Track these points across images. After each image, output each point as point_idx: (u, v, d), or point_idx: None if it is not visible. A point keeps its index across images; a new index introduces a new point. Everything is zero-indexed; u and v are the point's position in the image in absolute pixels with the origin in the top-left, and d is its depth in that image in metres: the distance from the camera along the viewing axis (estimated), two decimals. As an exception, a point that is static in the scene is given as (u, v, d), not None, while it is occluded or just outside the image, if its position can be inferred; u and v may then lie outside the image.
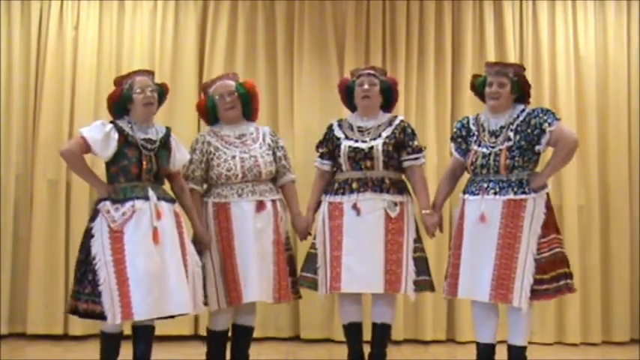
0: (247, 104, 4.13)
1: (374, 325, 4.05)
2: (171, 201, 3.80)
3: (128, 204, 3.62)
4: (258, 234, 3.93)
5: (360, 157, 3.99)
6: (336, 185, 4.04)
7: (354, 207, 3.94)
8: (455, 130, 4.06)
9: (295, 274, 4.12)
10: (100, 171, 3.87)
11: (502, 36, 5.61)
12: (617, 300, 5.52)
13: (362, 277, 3.88)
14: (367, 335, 4.10)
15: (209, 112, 4.12)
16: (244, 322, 4.10)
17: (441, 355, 5.12)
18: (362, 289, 4.00)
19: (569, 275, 3.81)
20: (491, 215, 3.75)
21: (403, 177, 4.11)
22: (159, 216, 3.64)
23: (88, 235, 3.64)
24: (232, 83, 4.13)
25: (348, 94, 4.18)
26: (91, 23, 5.48)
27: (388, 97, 4.13)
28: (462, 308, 5.28)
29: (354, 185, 3.98)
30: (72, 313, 3.70)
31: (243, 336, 4.11)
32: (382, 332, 4.05)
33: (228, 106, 4.06)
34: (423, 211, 4.02)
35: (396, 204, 3.97)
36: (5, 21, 5.45)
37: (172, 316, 3.70)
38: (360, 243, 3.91)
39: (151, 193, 3.68)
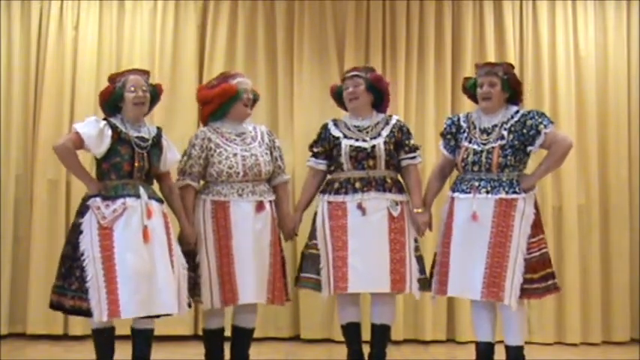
0: (251, 107, 4.16)
1: (373, 325, 4.05)
2: (160, 201, 3.80)
3: (119, 201, 3.62)
4: (257, 235, 3.92)
5: (362, 157, 3.98)
6: (337, 185, 4.03)
7: (360, 207, 3.94)
8: (445, 126, 4.08)
9: (287, 276, 4.12)
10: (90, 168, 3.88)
11: (502, 36, 5.61)
12: (617, 300, 5.52)
13: (368, 277, 3.87)
14: (367, 335, 4.10)
15: (230, 102, 3.99)
16: (244, 324, 4.08)
17: (441, 355, 5.11)
18: (368, 289, 3.99)
19: (554, 275, 3.87)
20: (483, 214, 3.77)
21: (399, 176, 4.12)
22: (149, 215, 3.64)
23: (77, 230, 3.63)
24: (250, 83, 4.16)
25: (339, 99, 4.20)
26: (91, 23, 5.49)
27: (376, 94, 4.11)
28: (462, 308, 5.28)
29: (358, 185, 3.98)
30: (57, 309, 3.70)
31: (242, 337, 4.10)
32: (382, 333, 4.04)
33: (247, 102, 4.06)
34: (415, 210, 4.02)
35: (397, 203, 3.98)
36: (5, 21, 5.46)
37: (158, 316, 3.68)
38: (366, 243, 3.90)
39: (142, 191, 3.68)
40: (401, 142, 4.04)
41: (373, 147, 3.99)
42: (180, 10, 5.58)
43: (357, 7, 5.60)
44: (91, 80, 5.41)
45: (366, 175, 3.99)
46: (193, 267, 3.90)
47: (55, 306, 3.69)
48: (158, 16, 5.53)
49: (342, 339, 4.24)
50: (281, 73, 5.56)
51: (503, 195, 3.77)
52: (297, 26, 5.58)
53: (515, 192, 3.77)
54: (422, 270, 3.99)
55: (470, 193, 3.83)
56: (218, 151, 3.98)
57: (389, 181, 4.00)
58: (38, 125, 5.40)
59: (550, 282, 3.81)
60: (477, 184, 3.83)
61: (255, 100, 4.15)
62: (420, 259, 4.00)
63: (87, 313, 3.54)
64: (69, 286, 3.60)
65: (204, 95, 4.09)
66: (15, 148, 5.41)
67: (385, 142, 4.00)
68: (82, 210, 3.68)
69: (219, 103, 4.03)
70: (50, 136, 5.30)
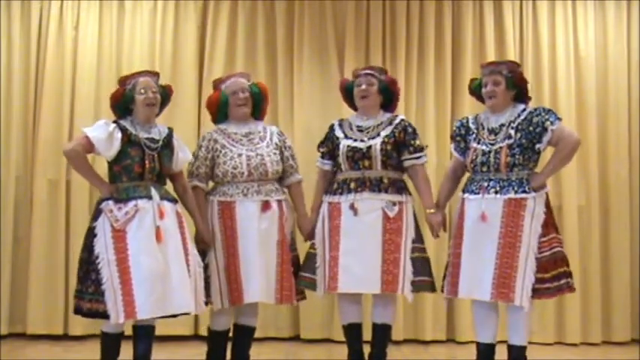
0: (258, 104, 4.16)
1: (374, 325, 4.04)
2: (173, 201, 3.80)
3: (131, 203, 3.62)
4: (263, 234, 3.92)
5: (358, 157, 3.98)
6: (335, 185, 4.04)
7: (352, 207, 3.94)
8: (454, 128, 4.07)
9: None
10: (102, 170, 3.88)
11: (502, 36, 5.62)
12: (617, 300, 5.52)
13: (359, 278, 3.87)
14: (367, 335, 4.10)
15: (220, 108, 4.09)
16: (246, 323, 4.09)
17: (441, 355, 5.11)
18: (359, 289, 3.98)
19: (570, 274, 3.82)
20: (491, 214, 3.75)
21: (404, 176, 4.10)
22: (161, 215, 3.64)
23: (91, 234, 3.64)
24: (246, 81, 4.16)
25: (348, 95, 4.18)
26: (91, 23, 5.49)
27: (387, 96, 4.13)
28: (462, 308, 5.28)
29: (352, 185, 3.97)
30: (77, 313, 3.70)
31: (244, 336, 4.11)
32: (382, 332, 4.04)
33: (241, 102, 4.07)
34: (427, 211, 4.01)
35: (394, 204, 3.96)
36: (5, 21, 5.46)
37: (175, 315, 3.69)
38: (358, 243, 3.89)
39: (153, 192, 3.68)
40: (404, 142, 4.03)
41: (369, 147, 3.98)
42: (180, 10, 5.58)
43: (357, 7, 5.60)
44: (91, 80, 5.42)
45: (362, 176, 3.98)
46: (203, 268, 3.91)
47: (76, 310, 3.70)
48: (158, 16, 5.53)
49: (342, 339, 4.25)
50: (281, 73, 5.56)
51: (512, 195, 3.75)
52: (297, 26, 5.58)
53: (524, 191, 3.75)
54: (418, 272, 3.93)
55: (479, 193, 3.82)
56: (223, 151, 4.00)
57: (385, 181, 3.98)
58: (38, 125, 5.40)
59: (563, 281, 3.77)
60: (486, 184, 3.82)
61: (255, 95, 4.13)
62: (418, 261, 3.95)
63: (104, 315, 3.55)
64: (86, 289, 3.61)
65: (206, 104, 4.23)
66: (15, 149, 5.41)
67: (383, 142, 3.98)
68: (96, 214, 3.68)
69: (214, 110, 4.14)
70: (50, 137, 5.32)
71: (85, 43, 5.47)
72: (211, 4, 5.59)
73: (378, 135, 4.02)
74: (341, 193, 3.99)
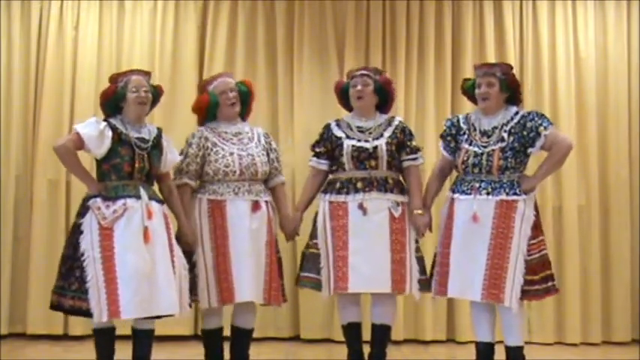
0: (245, 102, 4.16)
1: (374, 325, 4.04)
2: (161, 202, 3.79)
3: (120, 202, 3.61)
4: (254, 234, 3.92)
5: (364, 157, 3.98)
6: (338, 185, 4.02)
7: (361, 207, 3.94)
8: (445, 128, 4.07)
9: (283, 277, 4.11)
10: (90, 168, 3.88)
11: (502, 36, 5.62)
12: (617, 300, 5.53)
13: (368, 277, 3.87)
14: (367, 335, 4.10)
15: (210, 109, 4.08)
16: (242, 325, 4.08)
17: (441, 355, 5.12)
18: (369, 289, 3.99)
19: (554, 277, 3.88)
20: (483, 215, 3.77)
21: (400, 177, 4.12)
22: (150, 215, 3.63)
23: (77, 230, 3.63)
24: (232, 81, 4.16)
25: (343, 96, 4.19)
26: (91, 23, 5.49)
27: (383, 96, 4.13)
28: (462, 308, 5.28)
29: (359, 185, 3.97)
30: (57, 310, 3.69)
31: (241, 338, 4.09)
32: (382, 333, 4.04)
33: (231, 102, 4.06)
34: (415, 212, 4.00)
35: (398, 204, 3.97)
36: (5, 21, 5.47)
37: (159, 317, 3.67)
38: (366, 243, 3.89)
39: (142, 192, 3.67)
40: (403, 143, 4.04)
41: (375, 147, 3.98)
42: (180, 10, 5.58)
43: (357, 7, 5.60)
44: (91, 80, 5.42)
45: (368, 176, 3.99)
46: (190, 267, 3.90)
47: (55, 306, 3.69)
48: (158, 16, 5.53)
49: (342, 339, 4.24)
50: (281, 73, 5.56)
51: (503, 196, 3.77)
52: (297, 26, 5.59)
53: (515, 194, 3.77)
54: (422, 271, 3.99)
55: (470, 194, 3.83)
56: (215, 149, 3.99)
57: (390, 181, 4.00)
58: (38, 125, 5.40)
59: (550, 283, 3.83)
60: (477, 185, 3.83)
61: (243, 93, 4.13)
62: (420, 260, 4.00)
63: (86, 313, 3.54)
64: (69, 286, 3.59)
65: (193, 107, 4.19)
66: (15, 148, 5.42)
67: (387, 143, 4.00)
68: (83, 210, 3.67)
69: (203, 112, 4.11)
70: (50, 136, 5.31)
71: (85, 43, 5.47)
72: (211, 4, 5.59)
73: (382, 136, 4.03)
74: (347, 193, 3.98)
